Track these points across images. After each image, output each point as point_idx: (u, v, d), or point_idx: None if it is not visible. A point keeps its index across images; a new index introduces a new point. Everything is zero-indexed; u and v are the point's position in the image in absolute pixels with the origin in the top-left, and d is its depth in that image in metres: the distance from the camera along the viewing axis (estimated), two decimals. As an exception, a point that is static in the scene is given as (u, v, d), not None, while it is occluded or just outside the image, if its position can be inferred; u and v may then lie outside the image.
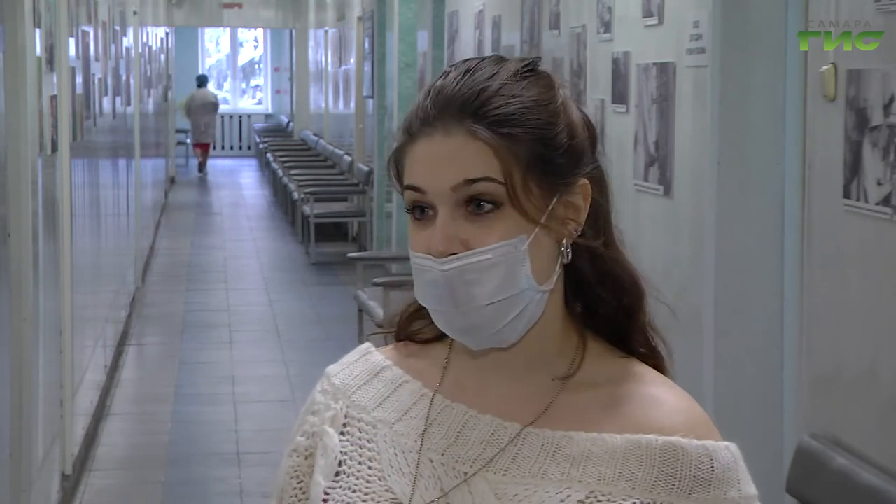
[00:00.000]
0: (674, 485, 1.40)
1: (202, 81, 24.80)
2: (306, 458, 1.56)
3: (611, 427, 1.44)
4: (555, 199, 1.43)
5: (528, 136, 1.42)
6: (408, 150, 1.45)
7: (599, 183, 1.49)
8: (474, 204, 1.41)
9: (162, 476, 6.45)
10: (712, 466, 1.41)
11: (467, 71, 1.45)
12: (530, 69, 1.46)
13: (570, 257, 1.45)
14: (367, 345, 1.62)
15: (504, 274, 1.41)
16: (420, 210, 1.43)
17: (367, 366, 1.59)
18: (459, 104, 1.42)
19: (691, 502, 1.40)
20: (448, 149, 1.41)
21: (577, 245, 1.46)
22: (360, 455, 1.51)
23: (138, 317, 10.34)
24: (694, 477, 1.40)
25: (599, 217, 1.48)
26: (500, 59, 1.47)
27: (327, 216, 13.86)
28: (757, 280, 4.30)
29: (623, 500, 1.40)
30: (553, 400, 1.47)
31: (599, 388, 1.47)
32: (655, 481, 1.40)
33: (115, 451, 6.89)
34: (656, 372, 1.51)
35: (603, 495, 1.41)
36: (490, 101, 1.42)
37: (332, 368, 1.62)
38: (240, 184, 22.48)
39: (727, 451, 1.43)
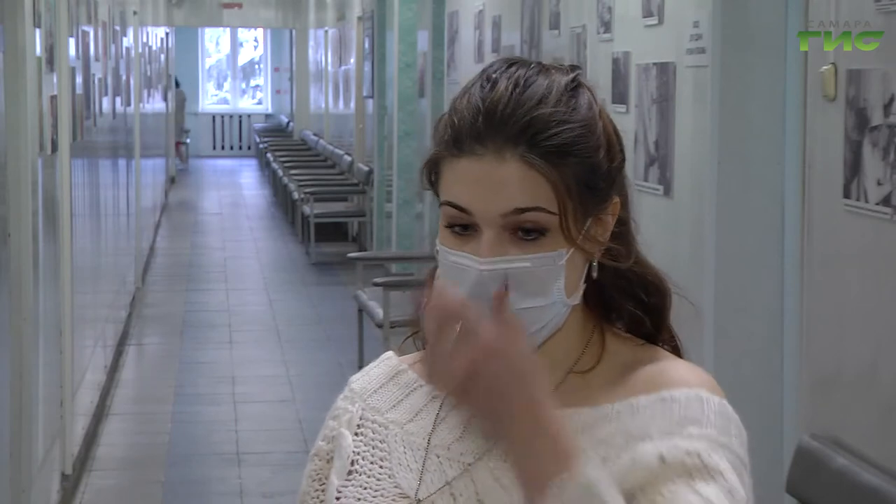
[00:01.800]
0: (667, 428, 1.40)
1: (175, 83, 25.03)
2: (328, 461, 1.59)
3: (614, 396, 1.45)
4: (590, 220, 1.44)
5: (578, 165, 1.42)
6: (451, 164, 1.43)
7: (624, 197, 1.50)
8: (522, 230, 1.40)
9: (162, 476, 6.45)
10: (702, 409, 1.41)
11: (517, 86, 1.42)
12: (575, 84, 1.45)
13: (596, 273, 1.47)
14: (389, 353, 1.64)
15: (539, 285, 1.41)
16: (462, 227, 1.42)
17: (384, 370, 1.61)
18: (515, 131, 1.40)
19: (683, 439, 1.40)
20: (500, 175, 1.40)
21: (602, 261, 1.47)
22: (373, 455, 1.53)
23: (138, 317, 10.34)
24: (684, 417, 1.41)
25: (624, 232, 1.49)
26: (545, 70, 1.45)
27: (327, 216, 13.86)
28: (757, 280, 4.30)
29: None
30: (559, 385, 1.46)
31: (612, 371, 1.49)
32: (648, 427, 1.41)
33: (115, 451, 6.89)
34: (674, 356, 1.52)
35: (599, 456, 1.40)
36: (544, 129, 1.40)
37: (354, 377, 1.64)
38: (240, 184, 22.49)
39: (722, 405, 1.44)
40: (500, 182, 1.40)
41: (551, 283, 1.42)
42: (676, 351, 1.54)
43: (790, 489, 3.64)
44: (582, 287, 1.46)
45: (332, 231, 14.43)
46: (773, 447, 4.20)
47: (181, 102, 24.83)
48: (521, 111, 1.41)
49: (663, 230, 4.74)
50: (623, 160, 1.49)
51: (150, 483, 6.38)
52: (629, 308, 1.51)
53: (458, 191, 1.42)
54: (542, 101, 1.41)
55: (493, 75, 1.44)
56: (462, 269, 1.42)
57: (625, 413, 1.43)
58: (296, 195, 14.94)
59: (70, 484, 6.01)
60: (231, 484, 6.34)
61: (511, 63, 1.46)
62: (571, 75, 1.46)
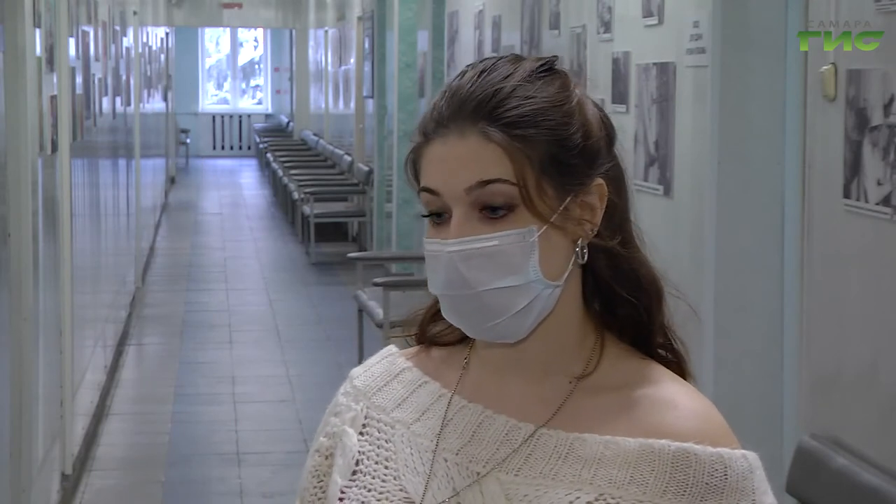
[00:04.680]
0: (685, 491, 1.38)
1: None
2: (327, 457, 1.57)
3: (625, 430, 1.42)
4: (569, 199, 1.43)
5: (542, 138, 1.41)
6: (423, 152, 1.44)
7: (616, 182, 1.48)
8: (489, 209, 1.40)
9: (162, 476, 6.45)
10: (725, 474, 1.39)
11: (483, 71, 1.44)
12: (547, 69, 1.45)
13: (585, 258, 1.45)
14: (390, 347, 1.62)
15: (509, 262, 1.40)
16: (438, 216, 1.43)
17: (387, 367, 1.59)
18: (473, 106, 1.41)
19: None
20: (462, 150, 1.41)
21: (594, 245, 1.45)
22: (378, 455, 1.51)
23: (138, 317, 10.34)
24: (706, 484, 1.38)
25: (615, 216, 1.47)
26: (517, 59, 1.46)
27: (327, 216, 13.86)
28: (757, 280, 4.30)
29: None
30: (566, 400, 1.46)
31: (616, 391, 1.46)
32: (666, 487, 1.39)
33: (115, 451, 6.89)
34: (674, 374, 1.49)
35: (613, 498, 1.39)
36: (503, 102, 1.41)
37: (355, 371, 1.62)
38: (240, 184, 22.49)
39: (743, 459, 1.41)
40: (462, 158, 1.41)
41: (524, 261, 1.40)
42: (676, 360, 1.52)
43: (790, 489, 3.64)
44: (568, 271, 1.44)
45: (332, 231, 14.43)
46: (773, 447, 4.20)
47: None
48: (481, 89, 1.42)
49: (663, 230, 4.74)
50: (609, 143, 1.48)
51: (150, 483, 6.38)
52: (625, 303, 1.48)
53: (428, 174, 1.44)
54: (504, 79, 1.43)
55: (465, 68, 1.47)
56: (435, 257, 1.43)
57: (642, 461, 1.40)
58: (296, 195, 14.94)
59: (70, 484, 6.01)
60: (231, 484, 6.34)
61: (486, 58, 1.48)
62: (543, 61, 1.46)
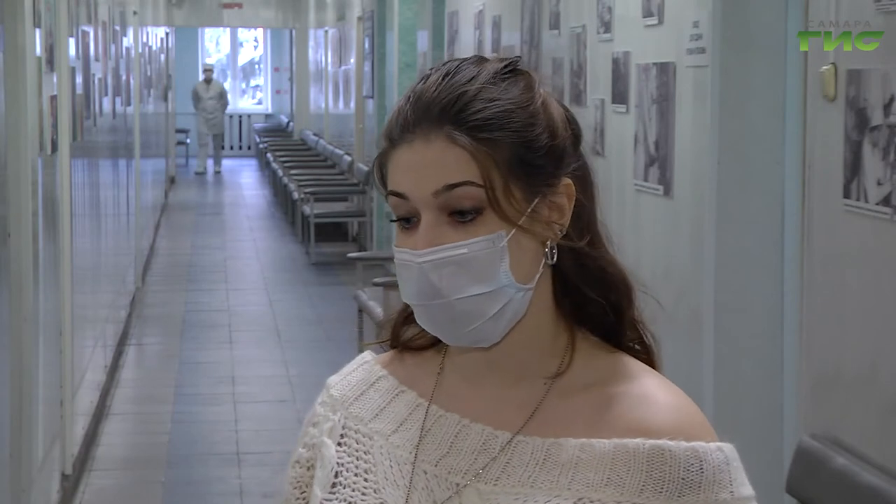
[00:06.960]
0: (662, 488, 1.39)
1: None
2: (308, 468, 1.57)
3: (602, 430, 1.43)
4: (537, 201, 1.43)
5: (508, 140, 1.41)
6: (390, 157, 1.44)
7: (583, 181, 1.48)
8: (457, 213, 1.40)
9: (162, 476, 6.45)
10: (701, 468, 1.39)
11: (447, 74, 1.44)
12: (510, 70, 1.45)
13: (554, 259, 1.45)
14: (366, 353, 1.62)
15: (480, 269, 1.40)
16: (406, 220, 1.43)
17: (364, 375, 1.59)
18: (438, 110, 1.41)
19: None
20: (428, 155, 1.41)
21: (562, 245, 1.45)
22: (357, 467, 1.51)
23: (138, 317, 10.34)
24: (682, 479, 1.38)
25: (583, 217, 1.47)
26: (480, 60, 1.46)
27: (327, 216, 13.87)
28: (757, 280, 4.30)
29: None
30: (541, 403, 1.46)
31: (591, 390, 1.46)
32: (643, 485, 1.39)
33: (115, 451, 6.89)
34: (648, 368, 1.49)
35: (591, 501, 1.40)
36: (468, 105, 1.41)
37: (332, 379, 1.61)
38: (240, 184, 22.49)
39: (719, 451, 1.41)
40: (428, 162, 1.41)
41: (495, 267, 1.40)
42: (647, 353, 1.52)
43: (790, 489, 3.64)
44: (539, 273, 1.44)
45: (332, 231, 14.44)
46: (773, 447, 4.20)
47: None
48: (445, 93, 1.42)
49: (663, 230, 4.73)
50: (575, 139, 1.47)
51: (150, 483, 6.38)
52: (593, 301, 1.48)
53: (396, 179, 1.43)
54: (468, 82, 1.43)
55: (429, 71, 1.47)
56: (407, 266, 1.42)
57: (618, 462, 1.41)
58: (296, 195, 14.94)
59: (70, 484, 6.01)
60: (231, 484, 6.34)
61: (450, 61, 1.48)
62: (507, 62, 1.46)
